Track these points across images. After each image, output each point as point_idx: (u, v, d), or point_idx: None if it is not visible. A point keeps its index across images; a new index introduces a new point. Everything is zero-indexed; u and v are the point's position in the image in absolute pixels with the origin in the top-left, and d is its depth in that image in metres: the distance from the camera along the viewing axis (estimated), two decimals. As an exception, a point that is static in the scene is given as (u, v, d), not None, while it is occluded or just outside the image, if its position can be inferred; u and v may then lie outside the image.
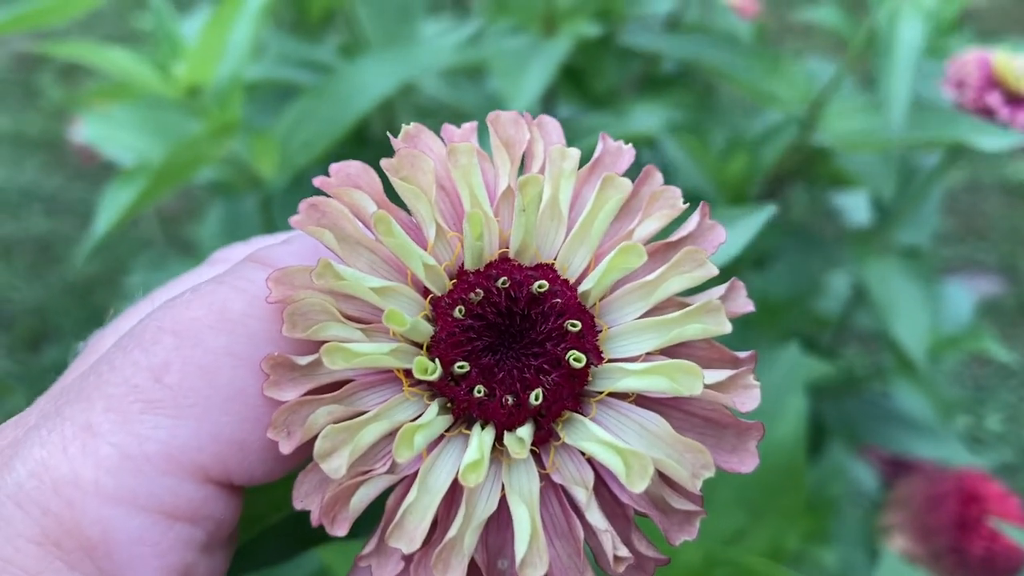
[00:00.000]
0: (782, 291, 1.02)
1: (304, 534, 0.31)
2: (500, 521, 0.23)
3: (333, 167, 0.24)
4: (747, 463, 0.23)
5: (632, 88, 1.09)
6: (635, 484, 0.21)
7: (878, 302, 0.92)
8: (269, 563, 0.31)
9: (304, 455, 0.22)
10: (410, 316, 0.23)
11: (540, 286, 0.23)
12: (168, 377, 0.21)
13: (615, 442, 0.22)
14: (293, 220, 0.24)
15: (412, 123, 0.25)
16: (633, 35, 0.94)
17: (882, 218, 1.00)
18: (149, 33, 0.84)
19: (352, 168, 0.25)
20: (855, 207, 1.16)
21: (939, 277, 1.72)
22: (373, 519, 0.23)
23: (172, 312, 0.22)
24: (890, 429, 1.08)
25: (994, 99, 0.82)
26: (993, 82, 0.83)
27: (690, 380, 0.22)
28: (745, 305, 0.25)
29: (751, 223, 0.37)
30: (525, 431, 0.22)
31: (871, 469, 1.19)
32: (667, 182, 0.26)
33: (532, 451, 0.23)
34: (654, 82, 1.07)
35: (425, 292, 0.24)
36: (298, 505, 0.22)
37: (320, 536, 0.23)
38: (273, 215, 0.80)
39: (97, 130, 0.78)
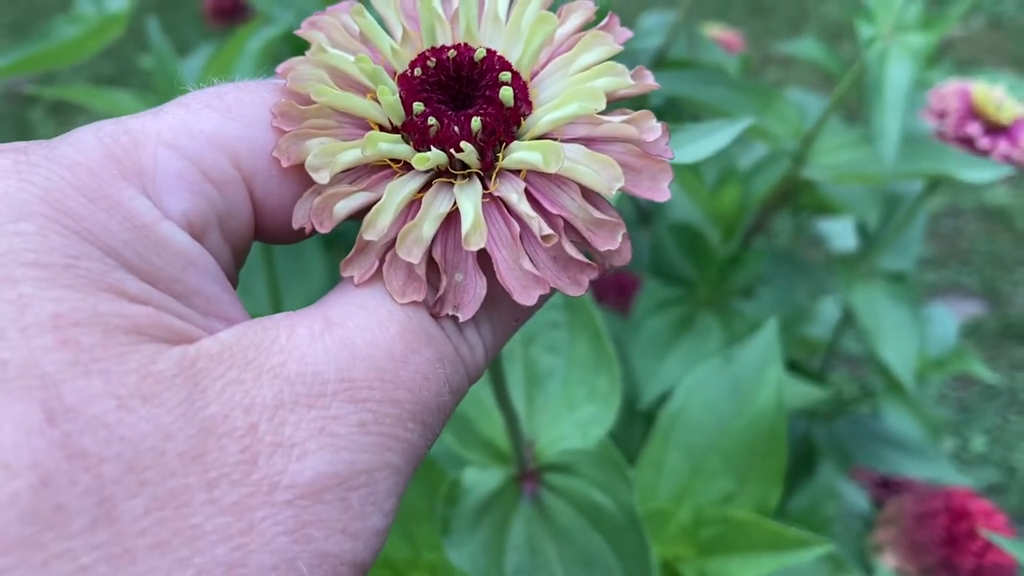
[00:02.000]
0: (772, 315, 1.04)
1: None
2: (454, 242, 0.28)
3: (329, 8, 0.32)
4: (660, 195, 0.28)
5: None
6: (551, 164, 0.27)
7: (865, 327, 0.95)
8: None
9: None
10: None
11: (480, 53, 0.29)
12: (227, 97, 0.28)
13: (534, 143, 0.28)
14: (297, 32, 0.31)
15: None
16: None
17: (867, 244, 1.03)
18: (142, 71, 0.86)
19: (342, 4, 0.31)
20: (841, 233, 1.19)
21: (924, 301, 1.74)
22: None
23: (234, 82, 0.30)
24: (880, 450, 1.10)
25: (974, 129, 0.85)
26: (973, 113, 0.87)
27: (594, 100, 0.28)
28: (650, 80, 0.31)
29: (723, 135, 0.41)
30: (466, 145, 0.28)
31: (862, 490, 1.21)
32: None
33: (477, 175, 0.28)
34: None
35: (393, 75, 0.30)
36: (296, 225, 0.28)
37: None
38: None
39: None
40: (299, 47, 1.05)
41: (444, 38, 0.30)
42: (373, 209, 0.27)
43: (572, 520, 0.51)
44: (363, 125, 0.29)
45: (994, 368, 1.98)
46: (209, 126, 0.27)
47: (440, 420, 0.27)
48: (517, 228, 0.27)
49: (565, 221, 0.28)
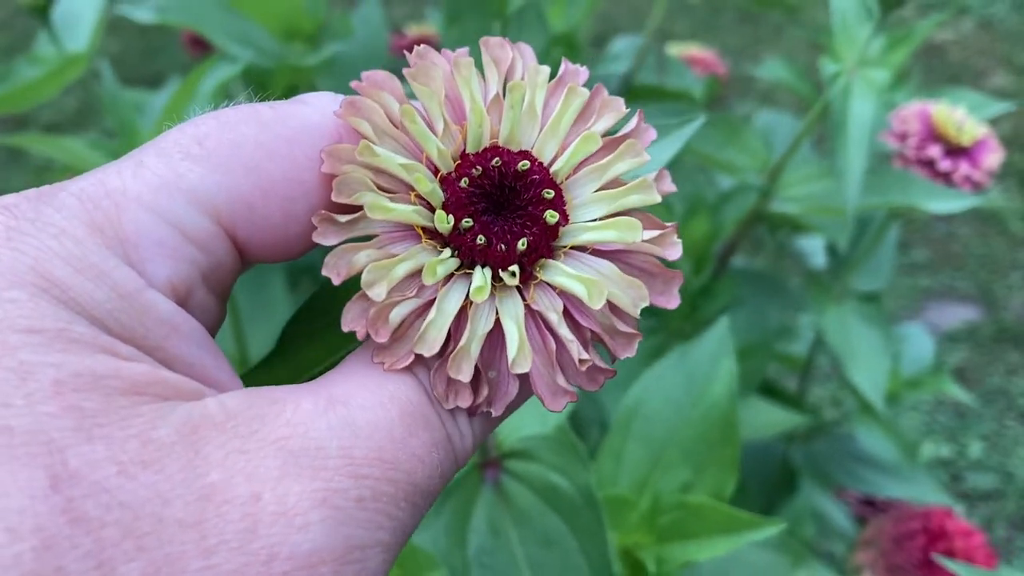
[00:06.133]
0: (748, 335, 1.04)
1: None
2: (491, 342, 0.30)
3: (364, 74, 0.32)
4: (672, 302, 0.31)
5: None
6: (595, 302, 0.29)
7: (836, 349, 0.94)
8: None
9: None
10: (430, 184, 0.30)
11: (523, 165, 0.31)
12: (207, 143, 0.28)
13: (578, 274, 0.29)
14: (337, 113, 0.31)
15: (421, 44, 0.33)
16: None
17: (838, 265, 1.03)
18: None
19: (379, 76, 0.32)
20: (816, 251, 1.18)
21: (918, 306, 1.73)
22: None
23: (217, 111, 0.30)
24: (858, 470, 1.10)
25: (935, 151, 0.85)
26: (934, 135, 0.86)
27: (632, 232, 0.30)
28: (670, 186, 0.32)
29: (679, 137, 0.43)
30: (514, 269, 0.29)
31: (845, 509, 1.21)
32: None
33: (517, 288, 0.30)
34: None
35: (435, 171, 0.31)
36: (346, 327, 0.29)
37: None
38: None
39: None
40: (259, 83, 1.05)
41: (485, 130, 0.32)
42: (424, 323, 0.29)
43: (531, 503, 0.54)
44: (405, 226, 0.30)
45: (989, 373, 1.98)
46: (187, 183, 0.27)
47: (428, 502, 0.28)
48: (553, 345, 0.30)
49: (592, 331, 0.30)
